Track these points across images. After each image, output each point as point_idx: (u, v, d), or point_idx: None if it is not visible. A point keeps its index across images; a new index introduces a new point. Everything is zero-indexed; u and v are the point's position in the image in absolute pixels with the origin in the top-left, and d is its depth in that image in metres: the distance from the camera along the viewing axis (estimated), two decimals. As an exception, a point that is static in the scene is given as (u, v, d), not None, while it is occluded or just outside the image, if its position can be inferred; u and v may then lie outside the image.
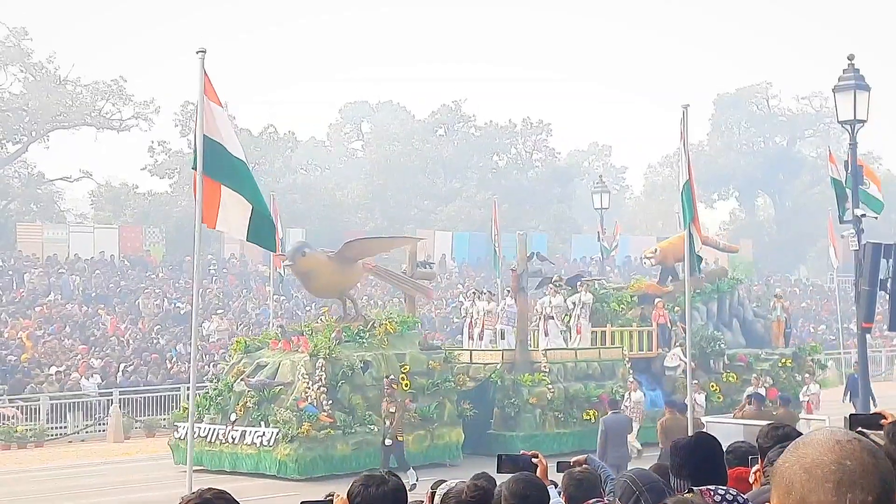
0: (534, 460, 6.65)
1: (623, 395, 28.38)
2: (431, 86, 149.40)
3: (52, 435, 33.77)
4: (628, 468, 10.13)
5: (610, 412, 22.98)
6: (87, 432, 34.42)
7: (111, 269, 51.90)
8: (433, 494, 6.89)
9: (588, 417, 29.50)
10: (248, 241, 17.40)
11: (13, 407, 34.27)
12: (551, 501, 6.17)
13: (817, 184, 77.36)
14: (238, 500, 4.66)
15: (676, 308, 33.89)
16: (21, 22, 73.20)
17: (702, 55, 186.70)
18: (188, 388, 19.57)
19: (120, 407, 34.73)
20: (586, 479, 6.78)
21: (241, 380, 26.77)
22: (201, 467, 25.89)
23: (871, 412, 6.08)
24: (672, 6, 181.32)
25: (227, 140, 16.48)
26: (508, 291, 32.45)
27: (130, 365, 38.20)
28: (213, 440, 26.33)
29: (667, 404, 23.34)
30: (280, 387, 26.16)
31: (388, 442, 24.23)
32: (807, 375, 31.27)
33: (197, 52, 16.92)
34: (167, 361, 39.33)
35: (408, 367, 27.45)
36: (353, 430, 25.78)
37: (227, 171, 16.22)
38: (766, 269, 75.81)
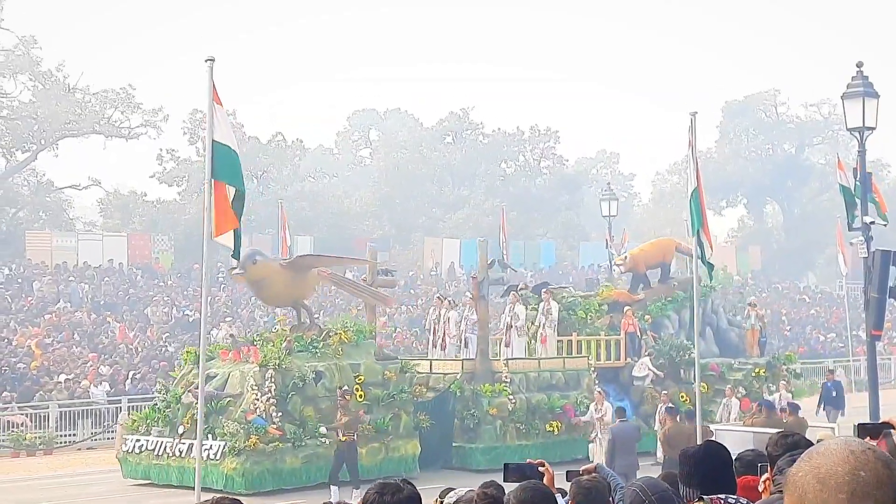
0: (540, 469, 6.63)
1: (588, 406, 27.58)
2: (431, 86, 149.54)
3: (60, 442, 33.79)
4: (637, 476, 10.11)
5: (618, 421, 22.99)
6: (95, 440, 34.42)
7: (120, 277, 51.97)
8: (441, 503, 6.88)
9: (551, 429, 28.83)
10: (232, 255, 17.50)
11: (22, 414, 34.29)
12: (559, 510, 6.15)
13: (826, 191, 77.27)
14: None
15: (647, 317, 33.38)
16: (30, 31, 73.39)
17: (710, 62, 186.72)
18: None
19: (129, 414, 34.72)
20: (595, 488, 6.74)
21: (189, 391, 25.93)
22: (148, 481, 25.76)
23: (880, 421, 6.07)
24: (680, 13, 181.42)
25: (228, 139, 16.75)
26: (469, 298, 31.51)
27: (139, 373, 38.22)
28: (160, 453, 25.64)
29: (667, 411, 23.31)
30: (229, 398, 25.40)
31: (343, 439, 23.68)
32: (782, 382, 30.52)
33: (206, 61, 16.99)
34: (176, 369, 39.30)
35: (362, 377, 26.61)
36: (303, 443, 24.94)
37: (230, 170, 16.48)
38: (774, 276, 75.73)
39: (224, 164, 16.48)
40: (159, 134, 65.21)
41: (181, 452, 25.17)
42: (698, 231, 20.12)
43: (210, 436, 24.59)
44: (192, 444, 24.67)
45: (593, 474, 7.15)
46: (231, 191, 16.43)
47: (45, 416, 34.37)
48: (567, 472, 7.39)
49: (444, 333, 31.00)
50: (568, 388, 29.88)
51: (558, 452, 27.79)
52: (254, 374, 25.34)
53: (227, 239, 16.48)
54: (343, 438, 23.73)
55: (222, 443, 24.42)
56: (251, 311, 49.05)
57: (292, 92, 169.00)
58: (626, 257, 35.49)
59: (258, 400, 24.93)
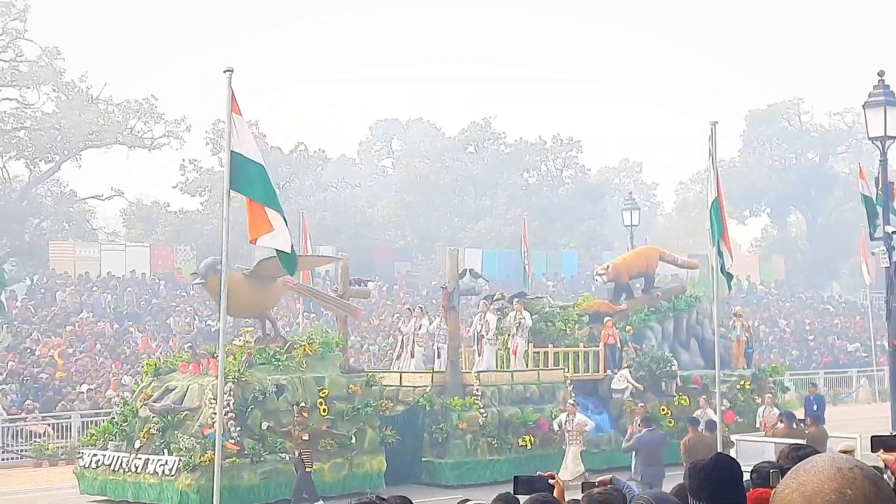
0: (550, 481, 6.59)
1: (565, 419, 26.39)
2: (437, 87, 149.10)
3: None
4: (663, 486, 10.06)
5: (645, 430, 22.98)
6: (117, 450, 34.51)
7: (142, 287, 52.15)
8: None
9: (524, 444, 27.92)
10: (279, 256, 17.52)
11: (45, 424, 34.41)
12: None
13: (850, 200, 76.85)
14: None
15: (628, 328, 32.52)
16: (54, 41, 73.80)
17: (733, 71, 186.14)
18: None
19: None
20: (607, 501, 6.67)
21: (146, 404, 25.24)
22: (104, 497, 25.11)
23: (893, 433, 6.02)
24: (703, 21, 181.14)
25: (251, 152, 16.89)
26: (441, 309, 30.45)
27: (161, 382, 38.28)
28: (116, 468, 24.81)
29: (689, 423, 23.21)
30: (186, 412, 24.54)
31: (308, 469, 23.24)
32: (768, 396, 29.68)
33: (224, 71, 17.09)
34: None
35: (326, 391, 25.72)
36: (262, 459, 24.11)
37: (252, 184, 16.63)
38: (798, 285, 75.41)
39: (243, 175, 16.57)
40: (182, 144, 65.42)
41: (137, 468, 24.42)
42: (718, 241, 20.05)
43: (166, 450, 24.07)
44: (149, 459, 24.22)
45: (607, 486, 7.08)
46: (271, 211, 16.60)
47: (67, 426, 34.46)
48: (582, 483, 7.35)
49: (414, 344, 30.16)
50: (543, 402, 28.91)
51: (532, 467, 26.17)
52: (212, 387, 24.01)
53: (269, 240, 16.68)
54: (298, 455, 23.26)
55: (178, 458, 23.65)
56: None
57: (292, 92, 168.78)
58: (607, 266, 34.51)
59: (216, 414, 24.30)
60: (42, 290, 49.71)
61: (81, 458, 26.10)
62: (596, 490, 6.79)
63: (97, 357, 41.12)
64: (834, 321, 63.92)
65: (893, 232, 22.88)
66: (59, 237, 59.60)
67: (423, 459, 27.32)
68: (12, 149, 61.87)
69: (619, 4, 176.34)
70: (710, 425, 22.34)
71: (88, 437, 26.76)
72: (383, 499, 5.04)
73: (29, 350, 40.79)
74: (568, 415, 26.35)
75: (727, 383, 31.62)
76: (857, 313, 64.85)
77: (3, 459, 32.72)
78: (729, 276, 20.50)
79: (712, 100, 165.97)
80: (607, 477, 7.29)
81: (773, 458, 9.05)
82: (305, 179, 69.41)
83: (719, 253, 20.08)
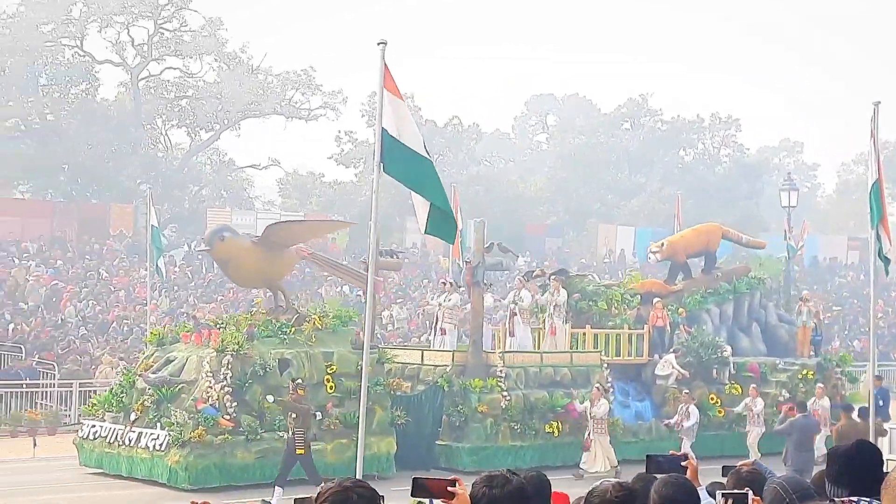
0: (683, 463, 6.48)
1: (589, 407, 25.21)
2: (581, 64, 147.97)
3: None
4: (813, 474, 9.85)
5: (799, 415, 22.59)
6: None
7: (296, 256, 52.95)
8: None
9: (550, 430, 26.19)
10: (426, 233, 17.48)
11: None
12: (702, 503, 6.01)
13: None
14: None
15: (681, 310, 30.61)
16: (217, 12, 75.18)
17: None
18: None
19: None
20: (756, 480, 6.55)
21: (141, 375, 24.35)
22: (100, 470, 24.39)
23: None
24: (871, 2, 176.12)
25: (405, 136, 16.64)
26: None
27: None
28: (112, 441, 24.02)
29: (842, 409, 22.66)
30: (182, 385, 23.56)
31: (298, 451, 21.32)
32: (819, 387, 27.78)
33: (378, 44, 17.12)
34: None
35: (335, 367, 24.27)
36: (258, 437, 22.86)
37: (404, 167, 16.50)
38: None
39: (391, 155, 16.40)
40: (338, 116, 66.35)
41: (131, 441, 23.65)
42: (877, 225, 19.51)
43: (158, 424, 23.27)
44: (142, 432, 23.46)
45: (752, 468, 6.99)
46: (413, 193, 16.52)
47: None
48: (723, 467, 7.31)
49: (444, 322, 28.36)
50: (576, 386, 27.01)
51: (559, 455, 25.93)
52: (210, 359, 23.40)
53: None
54: (292, 435, 21.54)
55: (168, 433, 22.78)
56: (422, 293, 49.45)
57: (448, 64, 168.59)
58: (662, 244, 32.46)
59: (212, 388, 23.09)
60: (199, 257, 50.83)
61: (81, 428, 25.51)
62: (744, 469, 6.74)
63: (250, 323, 41.92)
64: None
65: None
66: (217, 205, 60.96)
67: (441, 443, 25.75)
68: (174, 117, 63.50)
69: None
70: (864, 412, 21.83)
71: (89, 407, 26.13)
72: (515, 473, 4.99)
73: (186, 315, 41.76)
74: (592, 402, 25.13)
75: (787, 372, 30.21)
76: None
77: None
78: (887, 261, 19.90)
79: (880, 79, 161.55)
80: (750, 461, 7.20)
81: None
82: (459, 153, 69.68)
83: (877, 237, 19.55)
